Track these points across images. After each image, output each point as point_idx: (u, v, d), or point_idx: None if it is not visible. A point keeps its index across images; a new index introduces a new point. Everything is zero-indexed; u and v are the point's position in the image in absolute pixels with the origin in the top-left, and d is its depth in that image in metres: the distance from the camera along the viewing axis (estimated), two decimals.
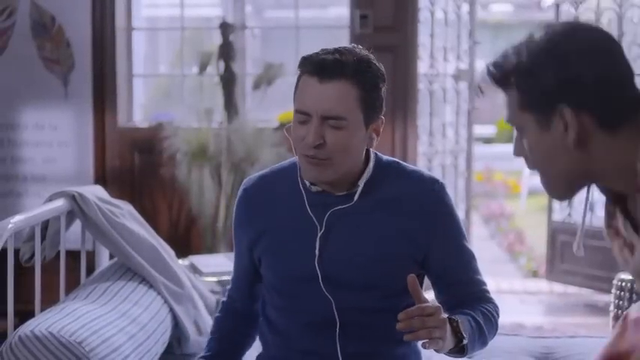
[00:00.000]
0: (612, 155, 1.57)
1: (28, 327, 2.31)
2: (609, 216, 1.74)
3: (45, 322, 2.33)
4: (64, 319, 2.36)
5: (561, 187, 1.67)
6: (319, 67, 2.03)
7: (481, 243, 7.65)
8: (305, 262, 2.13)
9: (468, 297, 2.18)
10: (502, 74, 1.64)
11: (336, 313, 2.12)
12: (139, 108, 5.60)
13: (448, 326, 1.95)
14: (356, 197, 2.11)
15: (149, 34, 6.11)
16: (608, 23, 5.37)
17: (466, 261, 2.21)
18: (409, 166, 2.22)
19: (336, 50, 2.06)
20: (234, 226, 2.31)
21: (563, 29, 1.62)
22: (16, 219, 2.50)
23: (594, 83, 1.55)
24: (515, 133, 1.69)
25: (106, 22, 5.23)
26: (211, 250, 4.81)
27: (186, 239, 5.09)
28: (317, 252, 2.11)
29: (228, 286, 2.40)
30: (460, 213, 5.56)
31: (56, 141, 5.26)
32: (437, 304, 1.95)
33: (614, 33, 5.30)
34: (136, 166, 5.30)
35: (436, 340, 1.88)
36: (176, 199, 5.22)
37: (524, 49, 1.61)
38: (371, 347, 2.15)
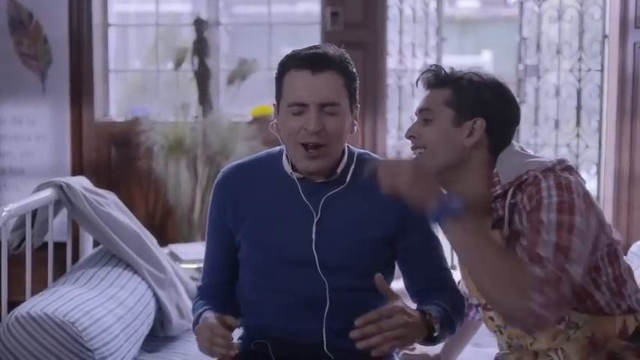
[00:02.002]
0: (479, 163, 2.14)
1: (24, 309, 2.45)
2: None
3: (39, 304, 2.47)
4: (56, 301, 2.51)
5: (432, 167, 2.12)
6: (310, 60, 2.19)
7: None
8: (301, 246, 2.26)
9: (435, 282, 2.34)
10: (446, 76, 2.17)
11: (327, 293, 2.25)
12: (114, 103, 5.71)
13: (420, 319, 2.10)
14: (348, 178, 2.27)
15: (122, 30, 6.20)
16: (570, 20, 5.55)
17: (434, 246, 2.36)
18: (380, 157, 2.38)
19: (316, 47, 2.24)
20: (211, 212, 2.40)
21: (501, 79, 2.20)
22: (10, 207, 2.64)
23: (506, 123, 2.17)
24: (419, 119, 2.18)
25: (83, 18, 5.35)
26: (187, 239, 4.95)
27: (162, 230, 5.21)
28: (314, 237, 2.25)
29: (202, 274, 2.47)
30: None
31: (34, 135, 5.37)
32: (399, 304, 2.07)
33: (576, 30, 5.50)
34: (113, 160, 5.42)
35: (394, 347, 2.04)
36: (152, 191, 5.35)
37: (469, 72, 2.17)
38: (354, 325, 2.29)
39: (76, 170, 5.28)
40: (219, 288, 2.42)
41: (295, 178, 2.28)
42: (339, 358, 2.26)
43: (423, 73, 2.22)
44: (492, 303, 2.02)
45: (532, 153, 2.18)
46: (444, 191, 2.04)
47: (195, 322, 2.28)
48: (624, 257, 2.17)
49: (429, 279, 2.34)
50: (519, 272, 1.90)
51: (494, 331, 2.25)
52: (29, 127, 5.36)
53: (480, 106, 2.13)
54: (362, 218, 2.27)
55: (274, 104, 2.32)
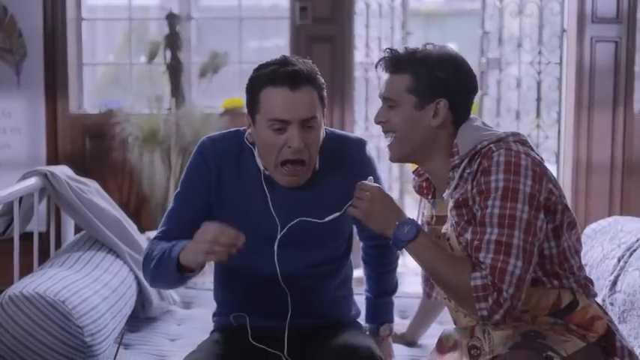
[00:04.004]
0: (445, 139, 2.24)
1: (16, 288, 2.60)
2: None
3: (31, 285, 2.62)
4: (46, 282, 2.66)
5: (405, 151, 2.27)
6: (288, 78, 2.28)
7: None
8: (267, 228, 2.40)
9: (382, 256, 2.64)
10: (400, 60, 2.25)
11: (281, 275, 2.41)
12: (87, 95, 5.83)
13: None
14: (317, 167, 2.41)
15: (95, 24, 6.31)
16: (530, 14, 5.74)
17: None
18: (335, 131, 2.52)
19: (288, 62, 2.32)
20: (188, 177, 2.46)
21: (452, 51, 2.29)
22: None
23: (466, 95, 2.27)
24: (384, 104, 2.28)
25: (57, 12, 5.46)
26: None
27: (137, 219, 5.29)
28: (278, 223, 2.39)
29: (161, 228, 2.47)
30: (394, 193, 5.93)
31: (9, 127, 5.48)
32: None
33: (536, 24, 5.70)
34: (87, 151, 5.55)
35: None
36: (126, 182, 5.48)
37: (423, 50, 2.26)
38: (316, 296, 2.49)
39: (52, 162, 5.38)
40: (181, 234, 2.37)
41: (265, 175, 2.39)
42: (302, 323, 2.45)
43: (381, 59, 2.30)
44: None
45: (492, 128, 2.29)
46: (399, 219, 2.16)
47: (166, 254, 2.28)
48: (574, 241, 2.26)
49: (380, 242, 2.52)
50: (464, 285, 2.05)
51: (452, 310, 2.36)
52: (4, 120, 5.47)
53: (439, 87, 2.21)
54: (327, 201, 2.39)
55: (247, 115, 2.37)
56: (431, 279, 2.32)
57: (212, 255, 2.15)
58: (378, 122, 2.30)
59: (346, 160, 2.47)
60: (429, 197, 2.36)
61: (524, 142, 2.22)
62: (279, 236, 2.40)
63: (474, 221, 2.13)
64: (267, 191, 2.40)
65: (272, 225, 2.40)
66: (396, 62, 2.26)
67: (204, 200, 2.45)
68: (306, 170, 2.36)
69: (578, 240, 2.28)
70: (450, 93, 2.23)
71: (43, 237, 3.32)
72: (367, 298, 2.71)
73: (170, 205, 2.50)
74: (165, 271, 2.29)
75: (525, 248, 2.05)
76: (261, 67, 2.36)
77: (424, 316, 2.87)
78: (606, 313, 2.29)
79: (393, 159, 2.32)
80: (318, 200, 2.41)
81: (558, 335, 2.16)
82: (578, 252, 2.27)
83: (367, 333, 2.65)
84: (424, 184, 2.38)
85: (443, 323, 3.10)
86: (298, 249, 2.42)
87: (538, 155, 2.21)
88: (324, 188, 2.42)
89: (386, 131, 2.29)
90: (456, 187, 2.21)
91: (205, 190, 2.44)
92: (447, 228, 2.23)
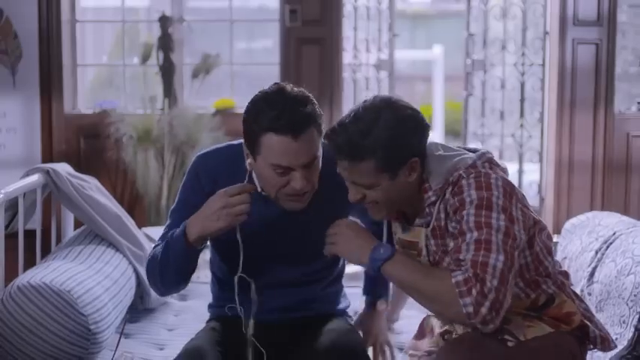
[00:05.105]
0: (417, 180, 2.23)
1: (24, 279, 2.72)
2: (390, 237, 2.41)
3: (37, 275, 2.75)
4: (52, 273, 2.79)
5: (390, 211, 2.29)
6: (290, 126, 2.23)
7: None
8: (269, 245, 2.45)
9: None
10: (355, 148, 2.16)
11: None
12: (82, 96, 5.94)
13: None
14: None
15: (89, 26, 6.41)
16: (514, 17, 5.88)
17: None
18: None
19: (286, 105, 2.25)
20: (185, 188, 2.49)
21: (390, 109, 2.20)
22: (5, 190, 2.91)
23: (425, 141, 2.23)
24: (351, 185, 2.23)
25: (52, 14, 5.57)
26: (155, 225, 5.21)
27: (130, 216, 5.41)
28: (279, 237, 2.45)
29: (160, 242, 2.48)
30: None
31: (5, 127, 5.59)
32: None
33: (519, 26, 5.84)
34: (82, 150, 5.66)
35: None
36: (120, 180, 5.60)
37: (375, 130, 2.16)
38: (309, 294, 2.57)
39: (47, 161, 5.46)
40: None
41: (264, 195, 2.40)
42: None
43: (330, 143, 2.20)
44: (437, 316, 2.31)
45: (453, 149, 2.29)
46: (373, 244, 2.18)
47: (169, 240, 2.34)
48: (545, 239, 2.30)
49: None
50: (446, 287, 2.03)
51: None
52: (0, 120, 5.57)
53: (406, 153, 2.18)
54: (324, 208, 2.43)
55: (246, 147, 2.34)
56: (411, 298, 2.25)
57: (232, 217, 2.22)
58: (355, 202, 2.25)
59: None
60: (400, 222, 2.37)
61: (490, 161, 2.25)
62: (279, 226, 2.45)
63: (451, 239, 2.15)
64: (262, 206, 2.39)
65: (269, 236, 2.45)
66: (352, 151, 2.17)
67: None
68: (309, 196, 2.37)
69: (549, 237, 2.32)
70: (415, 149, 2.20)
71: (44, 233, 3.43)
72: (366, 273, 2.77)
73: (167, 221, 2.52)
74: (174, 255, 2.33)
75: (505, 248, 2.06)
76: (261, 103, 2.29)
77: (400, 296, 2.92)
78: (582, 301, 2.38)
79: (379, 219, 2.33)
80: (314, 216, 2.41)
81: (527, 321, 2.21)
82: (549, 250, 2.32)
83: (360, 314, 2.75)
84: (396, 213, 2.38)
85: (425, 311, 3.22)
86: (294, 259, 2.49)
87: (505, 173, 2.25)
88: (320, 203, 2.43)
89: (367, 202, 2.26)
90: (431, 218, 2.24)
91: (200, 205, 2.39)
92: (423, 256, 2.28)
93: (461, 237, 2.11)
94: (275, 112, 2.24)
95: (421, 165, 2.22)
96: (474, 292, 2.01)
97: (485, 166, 2.22)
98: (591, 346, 2.33)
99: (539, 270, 2.27)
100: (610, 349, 2.37)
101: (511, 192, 2.16)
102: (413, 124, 2.20)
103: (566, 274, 2.37)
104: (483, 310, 2.00)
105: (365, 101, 2.25)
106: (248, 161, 2.37)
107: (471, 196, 2.13)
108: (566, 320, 2.28)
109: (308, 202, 2.39)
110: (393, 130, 2.16)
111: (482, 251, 2.05)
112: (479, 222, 2.09)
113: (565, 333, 2.27)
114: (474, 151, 2.30)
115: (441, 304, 2.07)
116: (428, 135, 2.25)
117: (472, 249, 2.06)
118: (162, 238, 2.47)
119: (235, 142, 2.53)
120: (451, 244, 2.15)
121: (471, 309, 2.01)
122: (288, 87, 2.32)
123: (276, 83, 2.37)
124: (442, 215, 2.20)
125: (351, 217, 2.49)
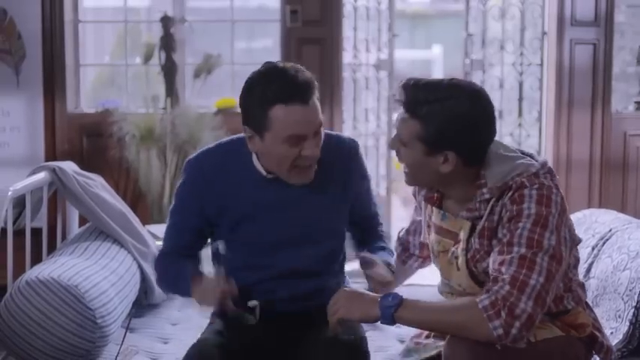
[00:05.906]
0: (464, 174, 2.22)
1: (32, 274, 2.78)
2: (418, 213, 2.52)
3: (45, 271, 2.80)
4: (59, 268, 2.84)
5: (418, 183, 2.35)
6: (298, 94, 2.27)
7: (400, 223, 8.10)
8: (278, 230, 2.48)
9: (373, 227, 2.70)
10: (415, 103, 2.18)
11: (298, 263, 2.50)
12: (84, 95, 6.00)
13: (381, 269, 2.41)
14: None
15: (92, 26, 6.45)
16: (512, 17, 5.93)
17: (367, 187, 2.66)
18: (327, 132, 2.53)
19: (287, 74, 2.29)
20: (182, 193, 2.52)
21: (471, 100, 2.18)
22: (13, 187, 2.96)
23: (477, 148, 2.21)
24: (396, 134, 2.25)
25: (55, 15, 5.63)
26: (158, 223, 5.26)
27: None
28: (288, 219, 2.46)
29: (165, 243, 2.60)
30: (381, 191, 6.10)
31: (9, 126, 5.65)
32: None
33: (518, 26, 5.89)
34: (85, 149, 5.72)
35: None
36: (122, 179, 5.66)
37: (442, 93, 2.17)
38: (319, 284, 2.57)
39: (50, 159, 5.49)
40: (184, 251, 2.57)
41: (268, 178, 2.44)
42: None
43: (402, 89, 2.21)
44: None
45: (515, 150, 2.28)
46: (377, 298, 2.16)
47: (181, 278, 2.46)
48: (575, 253, 2.32)
49: (370, 215, 2.67)
50: (470, 312, 2.05)
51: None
52: (4, 119, 5.63)
53: (448, 142, 2.17)
54: (327, 196, 2.50)
55: (248, 129, 2.36)
56: (436, 334, 2.29)
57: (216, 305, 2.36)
58: (390, 148, 2.31)
59: (343, 158, 2.54)
60: (438, 207, 2.38)
61: (551, 172, 2.23)
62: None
63: (498, 244, 2.15)
64: (268, 192, 2.45)
65: (275, 225, 2.48)
66: (411, 105, 2.19)
67: (199, 218, 2.51)
68: (314, 168, 2.41)
69: (577, 249, 2.35)
70: (460, 148, 2.18)
71: (49, 230, 3.48)
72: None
73: (167, 220, 2.58)
74: (181, 293, 2.54)
75: (549, 269, 2.07)
76: (260, 81, 2.33)
77: (395, 277, 2.95)
78: (592, 311, 2.41)
79: (407, 184, 2.36)
80: (317, 196, 2.47)
81: (539, 323, 2.18)
82: (576, 263, 2.34)
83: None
84: (435, 196, 2.37)
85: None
86: (300, 245, 2.50)
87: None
88: (322, 185, 2.48)
89: (400, 161, 2.30)
90: (480, 217, 2.23)
91: (199, 209, 2.49)
92: (457, 247, 2.29)
93: (508, 248, 2.11)
94: (278, 84, 2.28)
95: (468, 166, 2.21)
96: (502, 314, 2.03)
97: (547, 177, 2.20)
98: (594, 353, 2.36)
99: (566, 285, 2.28)
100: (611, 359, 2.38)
101: (565, 209, 2.18)
102: (474, 126, 2.17)
103: (582, 286, 2.39)
104: (514, 331, 2.03)
105: (461, 80, 2.26)
106: (251, 145, 2.39)
107: (530, 209, 2.12)
108: (579, 329, 2.31)
109: (310, 184, 2.42)
110: (454, 118, 2.15)
111: (525, 270, 2.07)
112: (531, 238, 2.10)
113: (575, 338, 2.29)
114: (529, 155, 2.29)
115: (470, 331, 2.08)
116: (480, 148, 2.22)
117: (516, 264, 2.07)
118: (167, 239, 2.57)
119: (223, 140, 2.56)
120: (495, 249, 2.15)
121: (501, 331, 2.03)
122: (279, 63, 2.36)
123: (264, 64, 2.37)
124: (495, 217, 2.20)
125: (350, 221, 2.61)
